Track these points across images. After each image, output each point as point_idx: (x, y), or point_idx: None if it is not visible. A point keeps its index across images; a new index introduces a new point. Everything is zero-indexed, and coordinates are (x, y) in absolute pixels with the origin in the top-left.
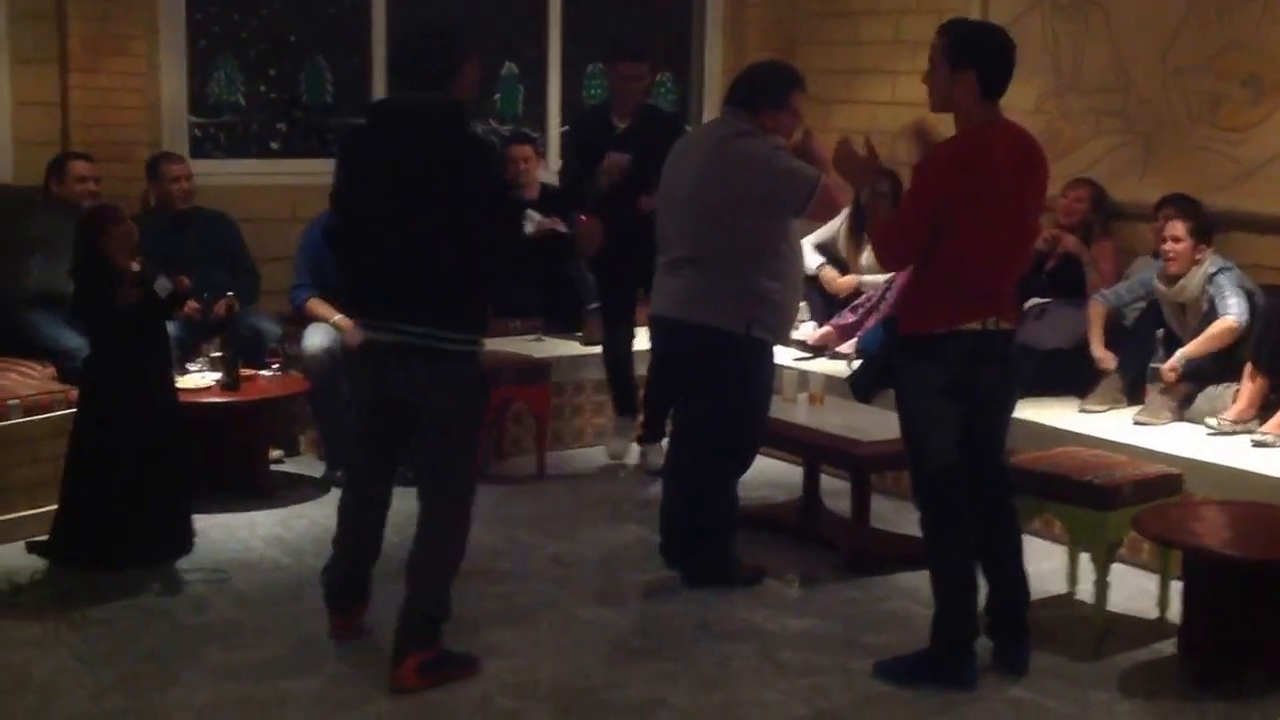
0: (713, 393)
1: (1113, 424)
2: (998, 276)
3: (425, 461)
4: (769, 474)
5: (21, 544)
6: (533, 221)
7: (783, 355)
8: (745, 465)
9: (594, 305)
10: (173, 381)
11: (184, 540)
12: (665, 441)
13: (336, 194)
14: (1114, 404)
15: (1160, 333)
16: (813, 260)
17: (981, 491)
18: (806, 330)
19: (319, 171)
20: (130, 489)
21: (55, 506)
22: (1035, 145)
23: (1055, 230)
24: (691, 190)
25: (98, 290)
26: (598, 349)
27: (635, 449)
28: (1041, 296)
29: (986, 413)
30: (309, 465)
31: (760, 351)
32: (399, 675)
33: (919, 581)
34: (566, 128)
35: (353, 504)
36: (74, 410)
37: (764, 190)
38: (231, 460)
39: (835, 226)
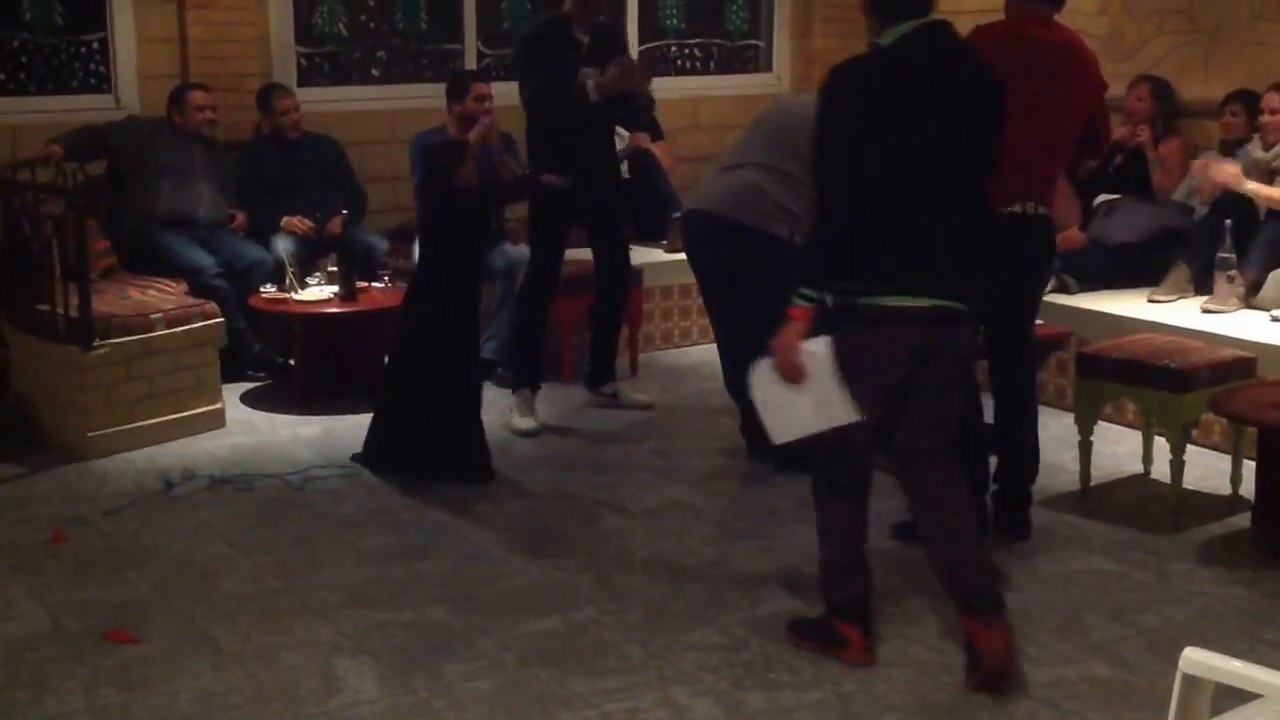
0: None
1: (1182, 313)
2: (1036, 162)
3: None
4: None
5: (170, 444)
6: (622, 139)
7: None
8: None
9: (677, 214)
10: (477, 312)
11: (487, 465)
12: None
13: (872, 144)
14: (1182, 293)
15: (1228, 223)
16: None
17: (1007, 362)
18: None
19: (416, 96)
20: (442, 409)
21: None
22: (1081, 46)
23: (1134, 126)
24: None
25: (441, 219)
26: (682, 255)
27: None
28: (1110, 193)
29: (1019, 290)
30: None
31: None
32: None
33: None
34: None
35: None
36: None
37: None
38: (351, 365)
39: None
